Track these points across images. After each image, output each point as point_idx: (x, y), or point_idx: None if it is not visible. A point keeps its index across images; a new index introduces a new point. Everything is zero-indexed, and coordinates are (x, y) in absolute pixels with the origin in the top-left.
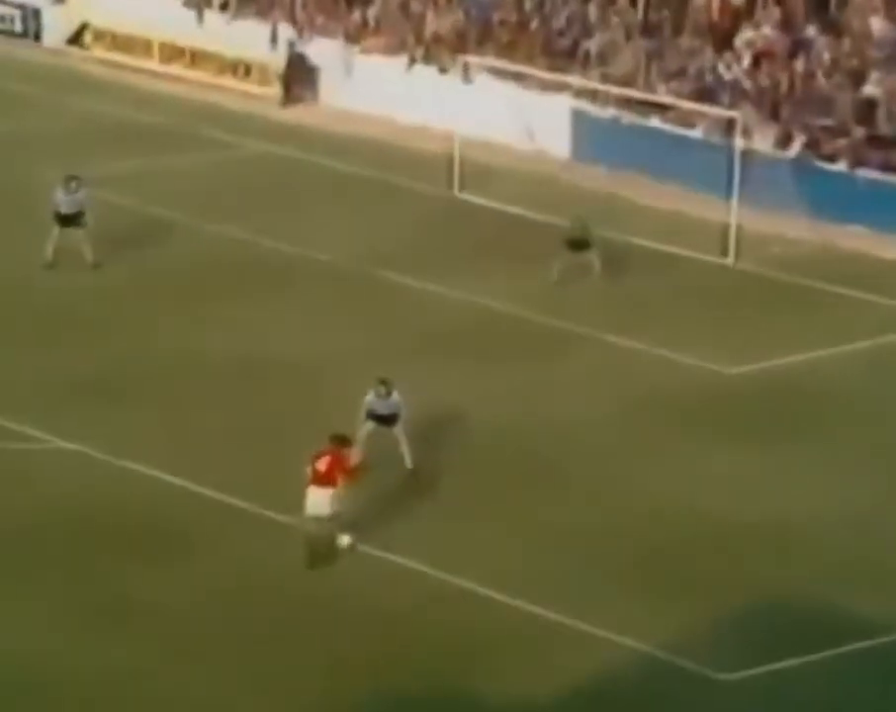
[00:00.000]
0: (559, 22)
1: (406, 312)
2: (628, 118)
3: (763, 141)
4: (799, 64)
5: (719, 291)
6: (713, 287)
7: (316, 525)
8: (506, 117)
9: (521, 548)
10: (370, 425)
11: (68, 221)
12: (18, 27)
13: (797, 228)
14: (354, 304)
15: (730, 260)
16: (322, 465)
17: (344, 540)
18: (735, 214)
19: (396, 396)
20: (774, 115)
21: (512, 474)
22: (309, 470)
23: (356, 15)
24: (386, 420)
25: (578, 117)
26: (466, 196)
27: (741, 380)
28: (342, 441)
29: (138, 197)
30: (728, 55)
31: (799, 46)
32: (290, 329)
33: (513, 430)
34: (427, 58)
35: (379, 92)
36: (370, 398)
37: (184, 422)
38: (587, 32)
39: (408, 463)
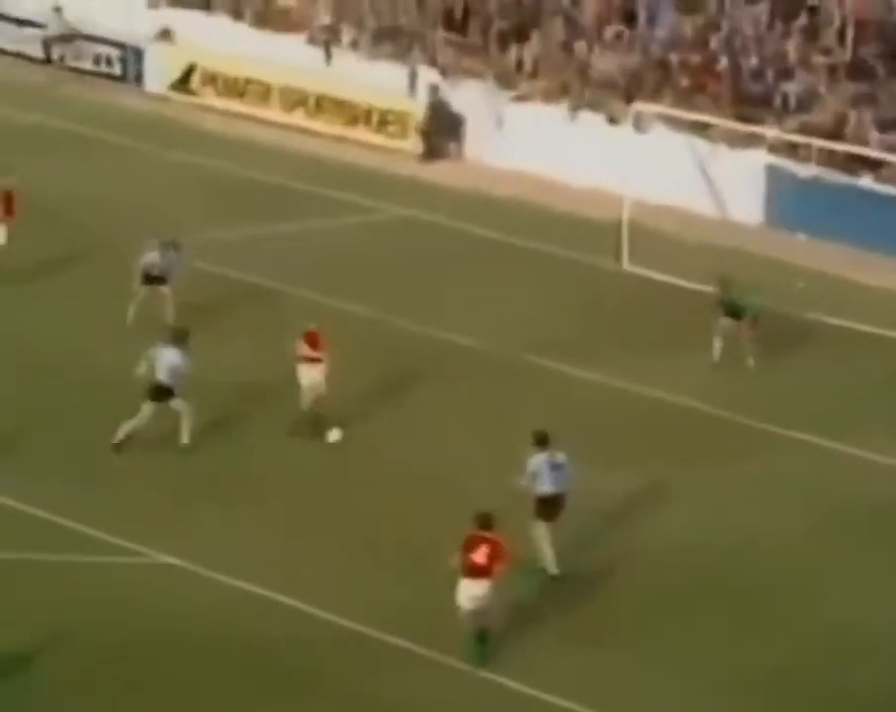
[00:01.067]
0: (750, 62)
1: (559, 404)
2: (833, 176)
3: None
4: None
5: None
6: None
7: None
8: (686, 175)
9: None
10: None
11: (156, 281)
12: (117, 69)
13: None
14: (501, 397)
15: None
16: (481, 556)
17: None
18: None
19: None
20: None
21: (679, 597)
22: (462, 559)
23: (510, 55)
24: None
25: (773, 175)
26: (635, 269)
27: None
28: (489, 522)
29: (248, 267)
30: None
31: None
32: (427, 432)
33: (686, 544)
34: (594, 106)
35: (535, 146)
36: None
37: (307, 535)
38: (785, 74)
39: (553, 569)
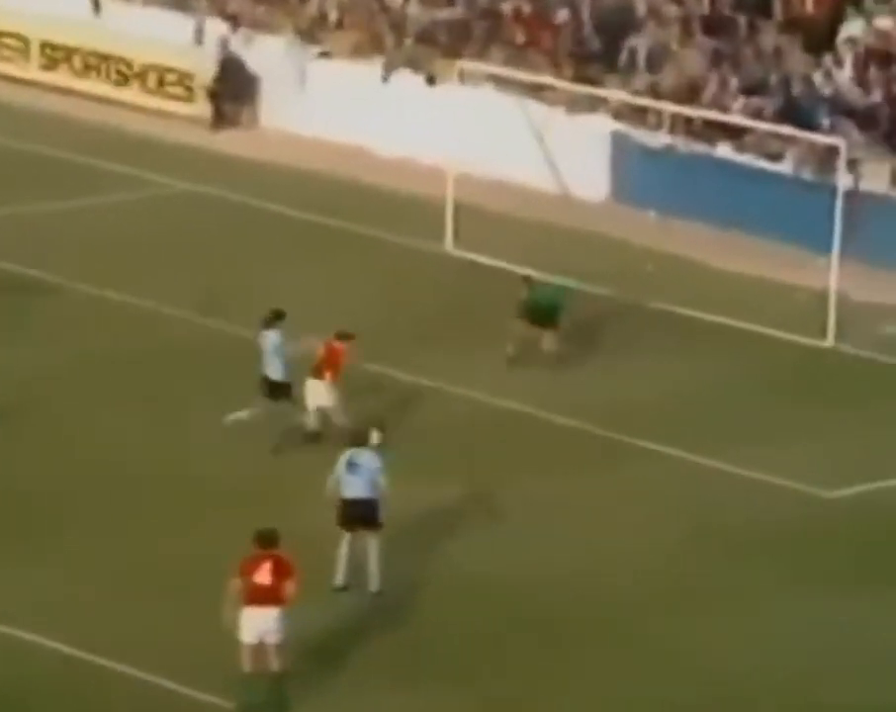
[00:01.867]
0: (593, 14)
1: (383, 405)
2: (687, 146)
3: (876, 178)
4: None
5: (814, 383)
6: (806, 378)
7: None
8: (519, 144)
9: None
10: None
11: None
12: None
13: None
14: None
15: (829, 341)
16: (264, 575)
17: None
18: (836, 278)
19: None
20: (891, 141)
21: (534, 634)
22: (240, 584)
23: (311, 4)
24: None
25: (619, 144)
26: (461, 252)
27: (843, 506)
28: (273, 539)
29: (7, 255)
30: (827, 59)
31: None
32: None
33: (533, 577)
34: (411, 64)
35: (343, 111)
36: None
37: (77, 561)
38: (632, 27)
39: (374, 586)
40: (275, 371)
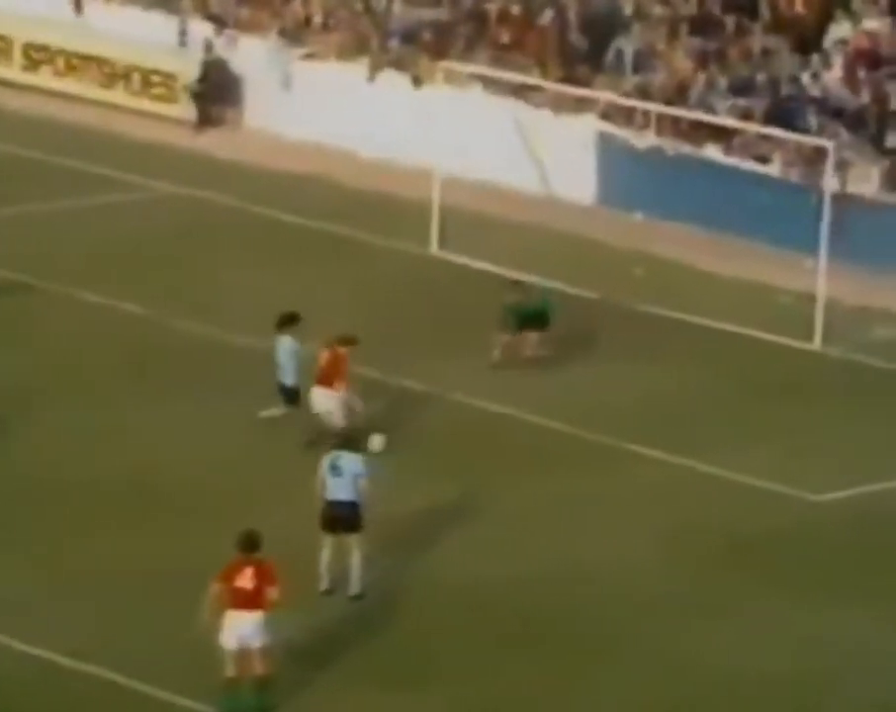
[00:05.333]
0: (579, 15)
1: (368, 409)
2: (675, 147)
3: (864, 180)
4: None
5: (802, 387)
6: (793, 381)
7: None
8: (506, 146)
9: None
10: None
11: None
12: None
13: None
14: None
15: (817, 344)
16: (246, 580)
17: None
18: (823, 281)
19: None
20: (880, 143)
21: (512, 636)
22: (221, 590)
23: (296, 5)
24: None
25: (605, 145)
26: (447, 255)
27: (831, 509)
28: (255, 543)
29: None
30: (815, 60)
31: None
32: (198, 440)
33: (513, 581)
34: (397, 65)
35: (328, 112)
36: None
37: (50, 566)
38: (619, 28)
39: (354, 589)
40: (287, 376)
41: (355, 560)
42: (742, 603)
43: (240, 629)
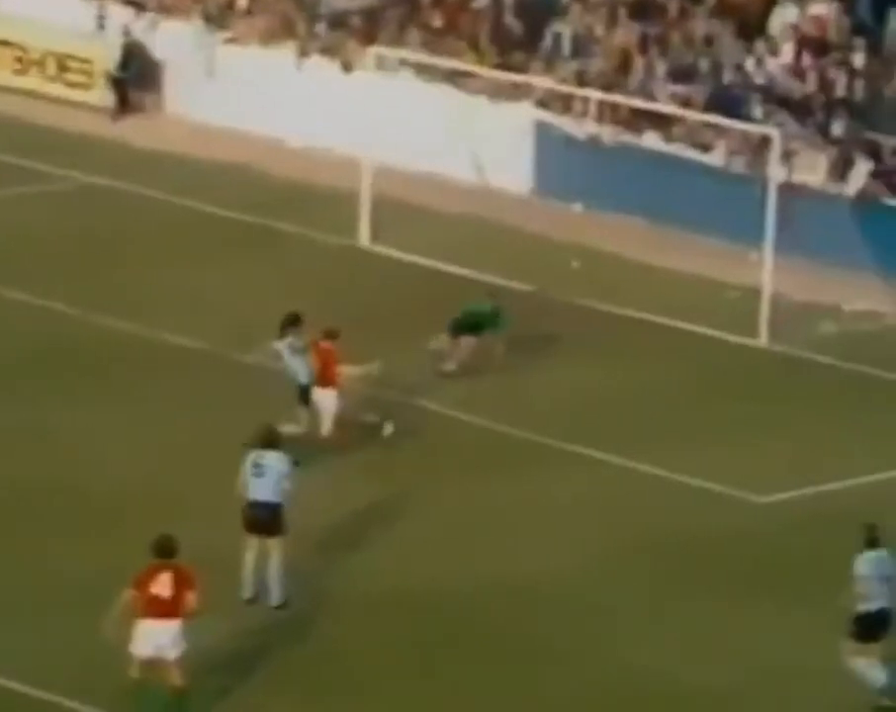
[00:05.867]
0: None
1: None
2: (614, 136)
3: (810, 170)
4: (863, 58)
5: (746, 384)
6: (738, 379)
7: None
8: (440, 134)
9: None
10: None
11: None
12: None
13: (860, 296)
14: (216, 401)
15: (763, 340)
16: (163, 586)
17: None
18: (769, 275)
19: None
20: (826, 132)
21: (440, 644)
22: (134, 597)
23: None
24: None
25: (542, 134)
26: (378, 248)
27: (775, 511)
28: (171, 547)
29: None
30: (759, 46)
31: (864, 32)
32: (117, 447)
33: (444, 588)
34: (325, 50)
35: (253, 99)
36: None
37: None
38: (556, 11)
39: (276, 598)
40: (301, 376)
41: (274, 566)
42: (682, 607)
43: (156, 639)
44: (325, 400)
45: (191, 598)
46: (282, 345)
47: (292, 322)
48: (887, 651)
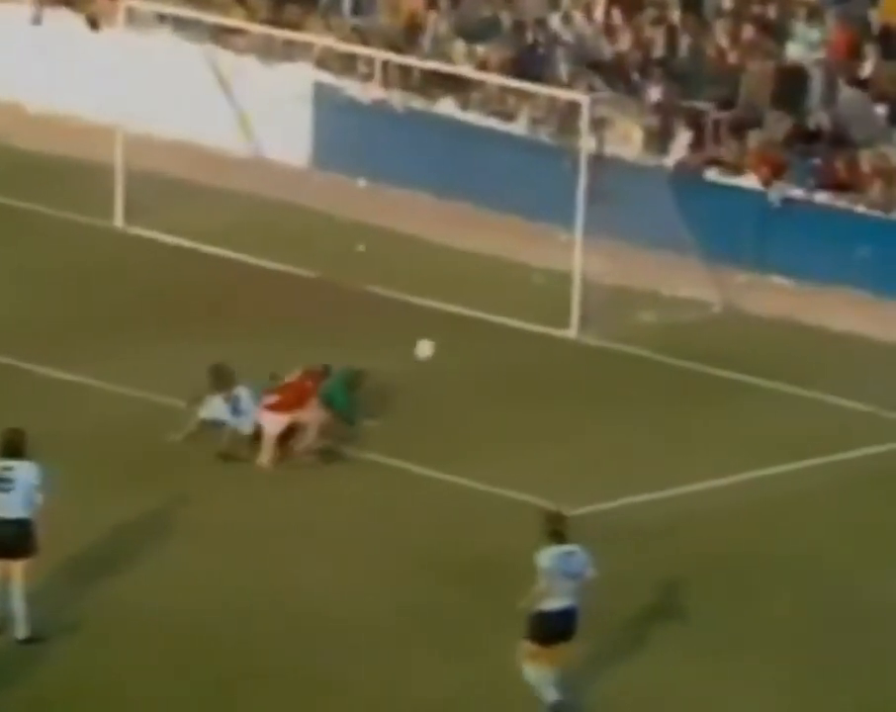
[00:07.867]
0: None
1: (37, 409)
2: (403, 101)
3: (625, 141)
4: (683, 16)
5: (553, 381)
6: (544, 375)
7: None
8: (204, 100)
9: None
10: None
11: None
12: None
13: (682, 281)
14: None
15: (572, 332)
16: None
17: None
18: (580, 257)
19: None
20: (642, 98)
21: (208, 673)
22: None
23: None
24: None
25: (322, 99)
26: (134, 229)
27: (586, 525)
28: None
29: None
30: (566, 0)
31: None
32: None
33: (212, 609)
34: (68, 4)
35: None
36: None
37: None
38: None
39: (22, 632)
40: (246, 427)
41: (19, 593)
42: (472, 634)
43: None
44: (271, 424)
45: None
46: (222, 405)
47: (224, 377)
48: (570, 656)
